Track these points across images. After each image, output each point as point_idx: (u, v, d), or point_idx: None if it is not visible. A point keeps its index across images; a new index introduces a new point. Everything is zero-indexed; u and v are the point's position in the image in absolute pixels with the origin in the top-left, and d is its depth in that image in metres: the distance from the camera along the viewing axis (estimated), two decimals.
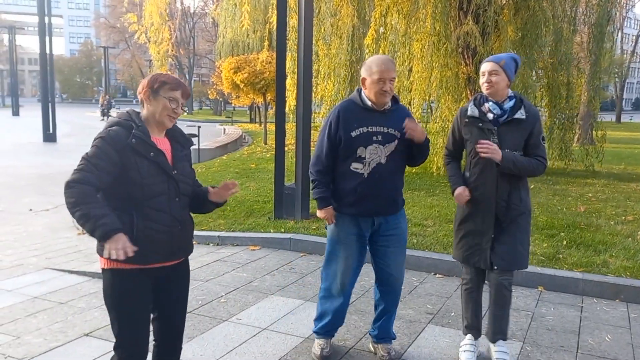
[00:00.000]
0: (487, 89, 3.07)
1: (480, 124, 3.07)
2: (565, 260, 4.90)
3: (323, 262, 3.29)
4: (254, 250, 5.64)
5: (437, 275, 4.86)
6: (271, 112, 17.57)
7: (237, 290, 4.47)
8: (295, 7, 8.90)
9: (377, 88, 2.97)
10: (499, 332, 3.18)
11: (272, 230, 5.99)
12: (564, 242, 5.45)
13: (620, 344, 3.54)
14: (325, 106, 12.59)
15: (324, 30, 11.69)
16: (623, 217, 6.73)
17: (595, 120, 12.17)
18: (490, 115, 3.06)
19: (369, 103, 3.05)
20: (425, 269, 4.95)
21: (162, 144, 2.33)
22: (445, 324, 3.82)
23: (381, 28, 10.88)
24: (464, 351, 3.25)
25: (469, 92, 11.02)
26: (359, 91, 3.10)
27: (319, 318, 3.33)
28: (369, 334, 3.42)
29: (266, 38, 21.90)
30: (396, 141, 3.06)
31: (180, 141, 2.43)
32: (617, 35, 12.79)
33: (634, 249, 5.22)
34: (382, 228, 3.15)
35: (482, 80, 3.08)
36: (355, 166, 3.05)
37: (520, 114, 3.02)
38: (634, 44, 39.73)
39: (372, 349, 3.38)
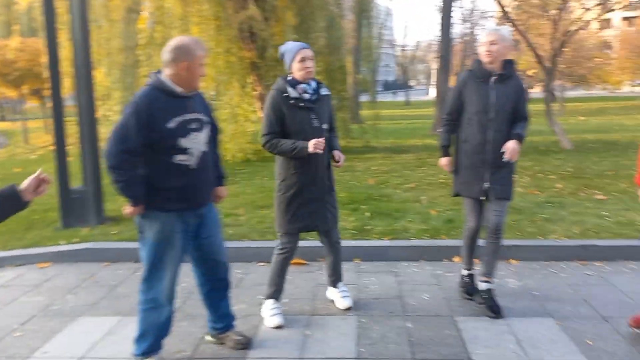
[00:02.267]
0: None
1: (302, 104, 3.32)
2: (372, 231, 5.22)
3: (145, 270, 2.88)
4: (44, 267, 4.78)
5: (260, 264, 4.74)
6: (30, 106, 15.29)
7: (35, 318, 3.72)
8: None
9: (201, 72, 2.80)
10: (340, 276, 3.84)
11: (63, 242, 5.16)
12: (367, 214, 5.82)
13: (437, 300, 3.89)
14: (100, 97, 11.40)
15: (95, 13, 10.50)
16: (406, 185, 7.51)
17: (361, 101, 13.44)
18: (306, 95, 3.35)
19: (178, 89, 2.78)
20: (247, 259, 4.79)
21: None
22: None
23: (156, 12, 10.22)
24: (276, 314, 3.53)
25: (254, 78, 11.08)
26: (160, 78, 2.80)
27: (142, 336, 2.95)
28: (212, 329, 3.26)
29: (14, 22, 18.92)
30: (208, 126, 2.95)
31: None
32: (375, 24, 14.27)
33: (424, 212, 5.85)
34: (205, 218, 3.02)
35: None
36: (181, 158, 2.79)
37: (326, 91, 3.47)
38: (379, 30, 45.00)
39: (221, 340, 3.25)
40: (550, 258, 4.63)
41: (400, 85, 54.69)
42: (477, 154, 3.54)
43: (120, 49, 10.87)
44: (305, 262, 4.72)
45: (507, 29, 3.59)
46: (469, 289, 3.90)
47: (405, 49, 44.71)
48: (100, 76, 10.88)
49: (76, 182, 6.03)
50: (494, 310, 3.57)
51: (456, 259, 4.67)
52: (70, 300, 4.04)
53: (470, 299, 3.83)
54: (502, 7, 11.81)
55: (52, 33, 5.65)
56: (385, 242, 4.91)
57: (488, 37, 3.47)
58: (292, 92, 3.31)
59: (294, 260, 4.72)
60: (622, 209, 5.84)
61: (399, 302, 3.85)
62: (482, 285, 3.70)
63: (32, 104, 21.10)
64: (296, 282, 4.29)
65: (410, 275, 4.39)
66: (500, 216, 3.56)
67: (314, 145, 3.21)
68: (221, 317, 3.24)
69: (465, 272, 3.94)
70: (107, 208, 5.97)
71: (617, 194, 6.55)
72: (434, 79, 54.76)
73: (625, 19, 46.47)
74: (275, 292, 3.62)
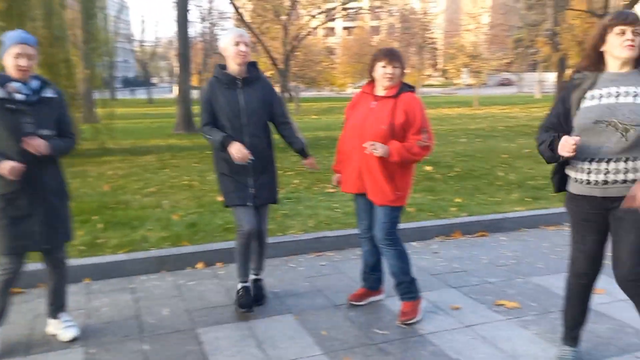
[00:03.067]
0: None
1: (11, 106, 2.85)
2: (106, 245, 4.70)
3: None
4: None
5: None
6: None
7: None
8: None
9: None
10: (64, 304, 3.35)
11: None
12: (100, 226, 5.23)
13: (177, 313, 3.64)
14: None
15: None
16: (147, 190, 7.04)
17: (95, 98, 12.31)
18: (19, 96, 2.88)
19: None
20: None
21: None
22: None
23: None
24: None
25: None
26: None
27: None
28: None
29: None
30: None
31: None
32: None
33: (166, 218, 5.52)
34: None
35: None
36: None
37: (52, 93, 2.98)
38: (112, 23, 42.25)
39: None
40: (290, 253, 4.80)
41: (141, 82, 52.28)
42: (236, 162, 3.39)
43: None
44: (22, 289, 3.97)
45: (244, 32, 3.55)
46: (243, 302, 3.59)
47: (145, 44, 42.91)
48: None
49: None
50: (259, 299, 3.75)
51: (199, 266, 4.49)
52: None
53: (248, 312, 3.56)
54: (237, 9, 12.07)
55: None
56: (121, 256, 4.45)
57: (240, 38, 3.36)
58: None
59: None
60: (348, 199, 6.41)
61: (136, 323, 3.49)
62: (252, 277, 3.80)
63: None
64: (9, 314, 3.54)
65: (150, 290, 4.05)
66: (265, 221, 3.70)
67: (8, 169, 2.76)
68: None
69: (240, 286, 3.66)
70: None
71: None
72: (177, 76, 54.01)
73: (345, 28, 52.84)
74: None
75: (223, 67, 3.51)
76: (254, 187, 3.51)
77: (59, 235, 3.14)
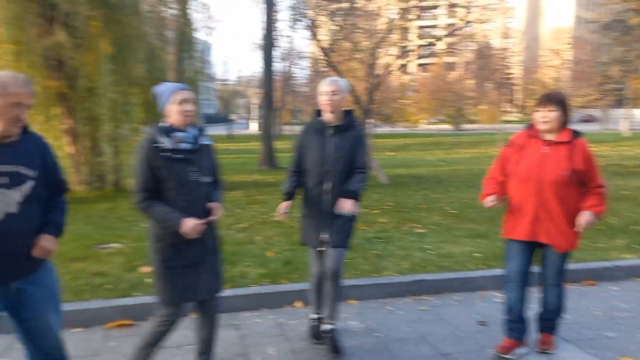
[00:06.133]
0: None
1: (178, 155, 2.83)
2: None
3: None
4: None
5: (74, 330, 4.03)
6: None
7: None
8: None
9: (12, 115, 2.23)
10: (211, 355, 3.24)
11: None
12: None
13: (283, 352, 3.65)
14: None
15: None
16: (239, 225, 7.24)
17: None
18: (184, 145, 2.86)
19: None
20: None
21: None
22: None
23: None
24: None
25: (63, 110, 9.94)
26: None
27: None
28: None
29: None
30: (30, 182, 2.31)
31: None
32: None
33: (261, 255, 5.63)
34: (23, 297, 2.36)
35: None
36: None
37: (207, 140, 3.01)
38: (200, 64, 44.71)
39: None
40: (387, 295, 4.73)
41: (221, 118, 54.62)
42: (315, 205, 3.55)
43: None
44: (133, 322, 4.15)
45: (345, 81, 3.63)
46: (316, 332, 3.80)
47: (227, 82, 44.94)
48: None
49: None
50: (336, 350, 3.56)
51: (298, 304, 4.52)
52: None
53: (319, 343, 3.74)
54: (324, 50, 12.42)
55: None
56: (225, 292, 4.55)
57: (329, 87, 3.45)
58: (165, 142, 2.78)
59: (117, 322, 4.14)
60: (440, 241, 6.30)
61: None
62: (325, 326, 3.67)
63: None
64: (122, 348, 3.71)
65: (253, 327, 4.11)
66: (337, 263, 3.53)
67: (190, 228, 2.75)
68: None
69: (314, 316, 3.84)
70: None
71: (433, 227, 7.09)
72: (254, 113, 56.05)
73: (420, 65, 52.92)
74: None
75: (318, 113, 3.61)
76: (327, 230, 3.54)
77: (219, 283, 3.07)
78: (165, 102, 2.85)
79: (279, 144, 18.52)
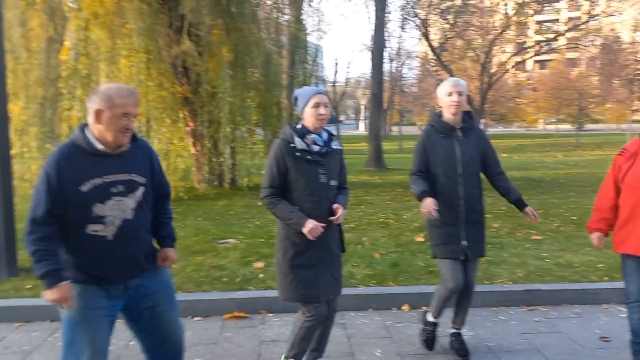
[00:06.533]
0: None
1: (309, 157, 2.93)
2: None
3: (62, 351, 2.46)
4: None
5: (196, 319, 4.35)
6: None
7: None
8: None
9: (120, 125, 2.37)
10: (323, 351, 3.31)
11: None
12: None
13: (389, 355, 3.67)
14: (15, 132, 10.60)
15: (13, 42, 9.79)
16: (346, 225, 7.34)
17: None
18: (315, 147, 2.95)
19: (100, 146, 2.39)
20: (180, 313, 4.36)
21: None
22: None
23: (81, 43, 9.68)
24: None
25: (187, 113, 10.71)
26: (83, 130, 2.42)
27: None
28: None
29: None
30: (142, 188, 2.49)
31: None
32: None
33: (368, 256, 5.68)
34: (140, 291, 2.56)
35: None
36: (95, 228, 2.36)
37: (337, 145, 3.06)
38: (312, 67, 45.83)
39: None
40: (499, 303, 4.56)
41: (331, 119, 55.56)
42: (450, 211, 3.39)
43: (39, 81, 10.18)
44: (246, 314, 4.39)
45: (464, 81, 3.56)
46: (428, 337, 3.67)
47: (336, 85, 45.62)
48: (17, 110, 10.12)
49: None
50: (462, 354, 3.57)
51: (405, 307, 4.51)
52: None
53: (429, 352, 3.67)
54: (434, 50, 12.21)
55: None
56: None
57: (454, 89, 3.37)
58: (299, 143, 2.91)
59: (233, 314, 4.39)
60: (558, 249, 5.94)
61: None
62: (455, 330, 3.70)
63: None
64: (237, 339, 3.94)
65: (359, 328, 4.17)
66: (474, 274, 3.53)
67: (309, 229, 2.83)
68: None
69: (431, 319, 3.66)
70: (20, 257, 5.35)
71: (551, 234, 6.70)
72: (363, 114, 56.33)
73: (537, 62, 50.00)
74: (297, 355, 3.16)
75: (439, 115, 3.52)
76: (466, 239, 3.41)
77: (338, 286, 3.11)
78: (303, 105, 2.95)
79: (386, 145, 18.48)
